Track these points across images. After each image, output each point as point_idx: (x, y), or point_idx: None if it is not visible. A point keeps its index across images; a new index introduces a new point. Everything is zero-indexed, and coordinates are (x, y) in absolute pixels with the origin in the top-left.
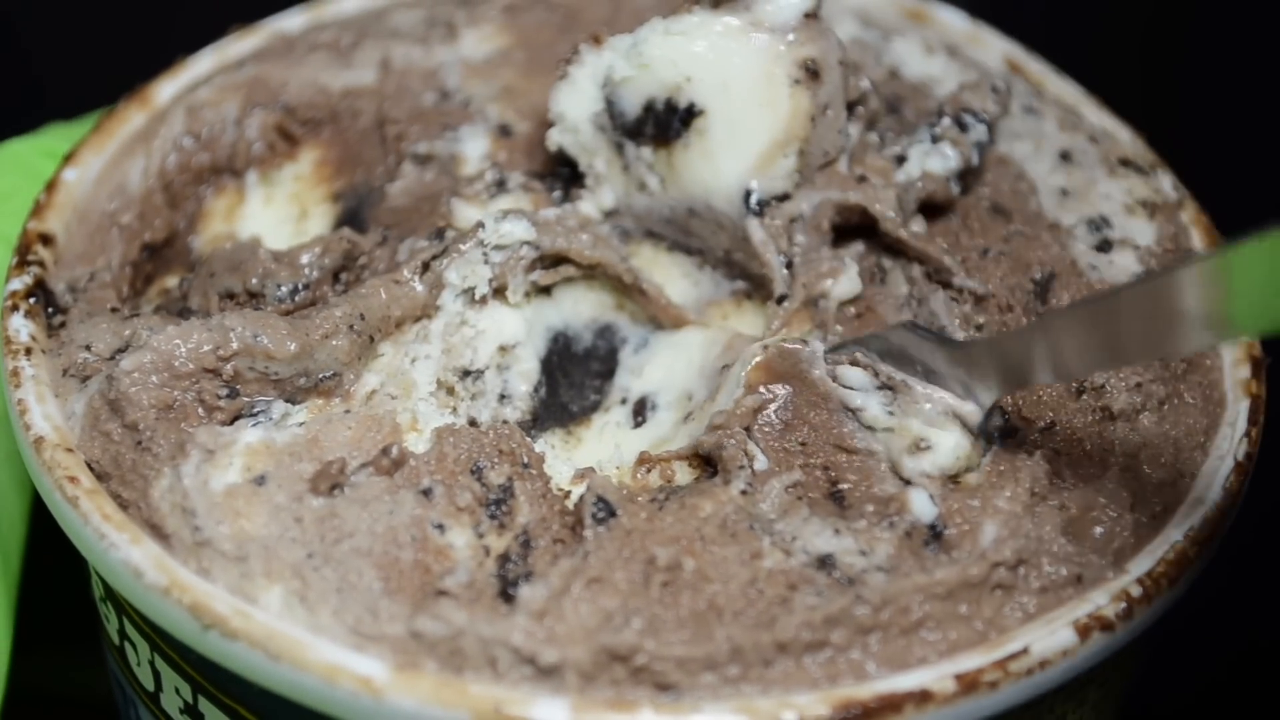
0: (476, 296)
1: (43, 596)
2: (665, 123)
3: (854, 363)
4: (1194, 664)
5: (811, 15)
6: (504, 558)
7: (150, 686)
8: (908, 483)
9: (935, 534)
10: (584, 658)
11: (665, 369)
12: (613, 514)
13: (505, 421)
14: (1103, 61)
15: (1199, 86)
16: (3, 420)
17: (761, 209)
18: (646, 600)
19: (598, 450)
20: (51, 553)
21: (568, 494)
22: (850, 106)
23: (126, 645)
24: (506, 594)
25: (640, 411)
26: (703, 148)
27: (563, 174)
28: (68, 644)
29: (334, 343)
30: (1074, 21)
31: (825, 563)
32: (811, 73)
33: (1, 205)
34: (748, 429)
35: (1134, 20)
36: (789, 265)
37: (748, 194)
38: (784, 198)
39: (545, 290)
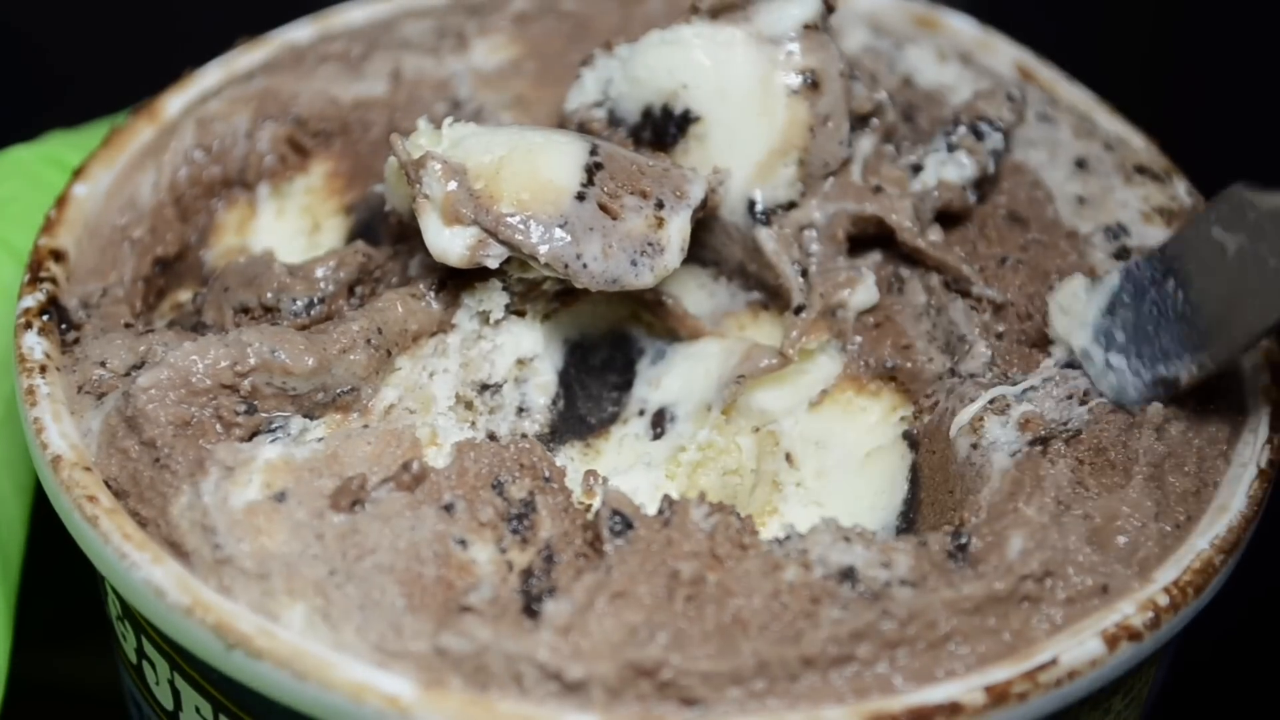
0: (491, 321)
1: (43, 593)
2: (662, 128)
3: None
4: (1222, 668)
5: (812, 26)
6: (527, 573)
7: (169, 706)
8: None
9: (961, 547)
10: (610, 673)
11: (683, 380)
12: (629, 526)
13: (525, 435)
14: (1108, 62)
15: (1203, 84)
16: (2, 425)
17: (768, 218)
18: (671, 614)
19: (616, 462)
20: (51, 549)
21: (589, 508)
22: (865, 118)
23: (145, 664)
24: (530, 610)
25: (659, 423)
26: (702, 154)
27: None
28: (68, 639)
29: (351, 357)
30: (1078, 22)
31: (847, 575)
32: (811, 84)
33: (5, 210)
34: None
35: (1138, 20)
36: (804, 275)
37: (751, 204)
38: (790, 206)
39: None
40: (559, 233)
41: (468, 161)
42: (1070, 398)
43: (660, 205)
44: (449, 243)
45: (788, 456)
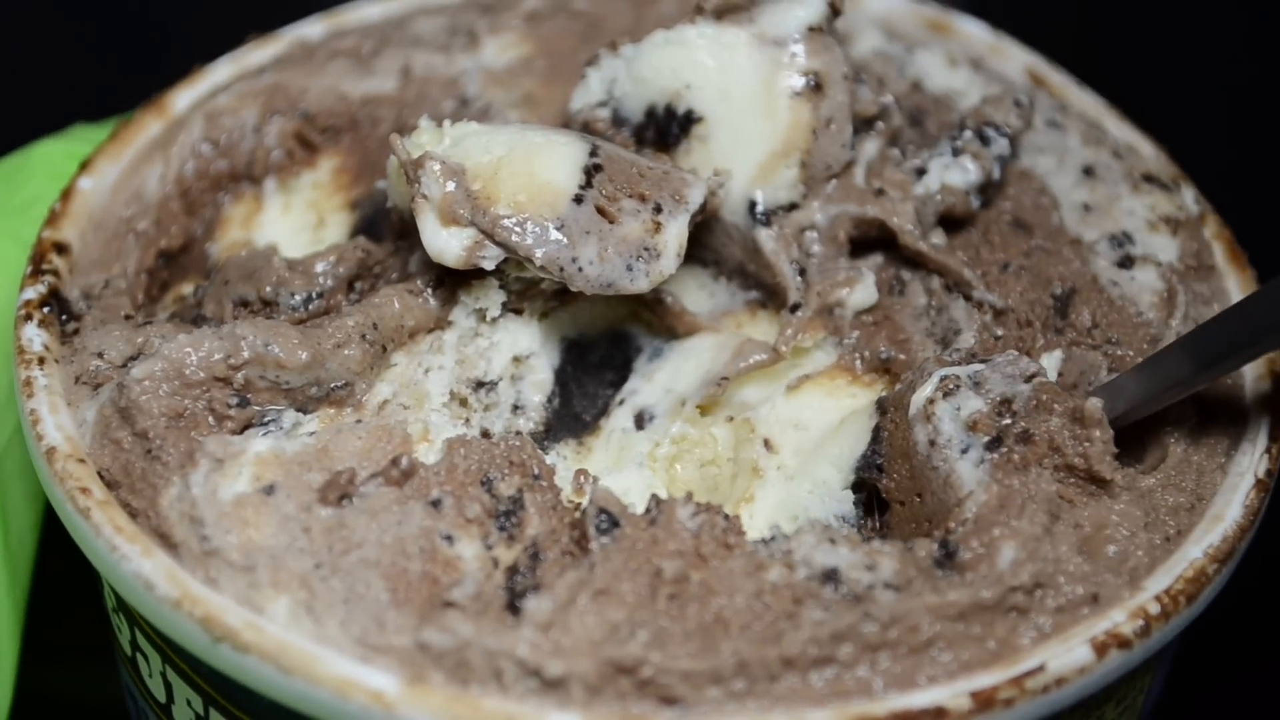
0: (488, 319)
1: (53, 603)
2: (665, 128)
3: None
4: (1224, 677)
5: (817, 29)
6: (512, 570)
7: (162, 698)
8: None
9: (949, 555)
10: (589, 670)
11: (672, 374)
12: (616, 524)
13: (517, 433)
14: (1122, 66)
15: (1214, 89)
16: (16, 434)
17: (768, 219)
18: (653, 613)
19: (608, 460)
20: (62, 559)
21: (578, 506)
22: (870, 121)
23: (138, 656)
24: (514, 606)
25: (641, 421)
26: (704, 154)
27: None
28: (77, 650)
29: (346, 352)
30: (1092, 26)
31: (830, 577)
32: (814, 86)
33: (30, 210)
34: None
35: (1150, 25)
36: (802, 273)
37: (752, 205)
38: (791, 207)
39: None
40: (555, 235)
41: (467, 161)
42: (1019, 375)
43: (658, 210)
44: (446, 243)
45: (766, 442)
